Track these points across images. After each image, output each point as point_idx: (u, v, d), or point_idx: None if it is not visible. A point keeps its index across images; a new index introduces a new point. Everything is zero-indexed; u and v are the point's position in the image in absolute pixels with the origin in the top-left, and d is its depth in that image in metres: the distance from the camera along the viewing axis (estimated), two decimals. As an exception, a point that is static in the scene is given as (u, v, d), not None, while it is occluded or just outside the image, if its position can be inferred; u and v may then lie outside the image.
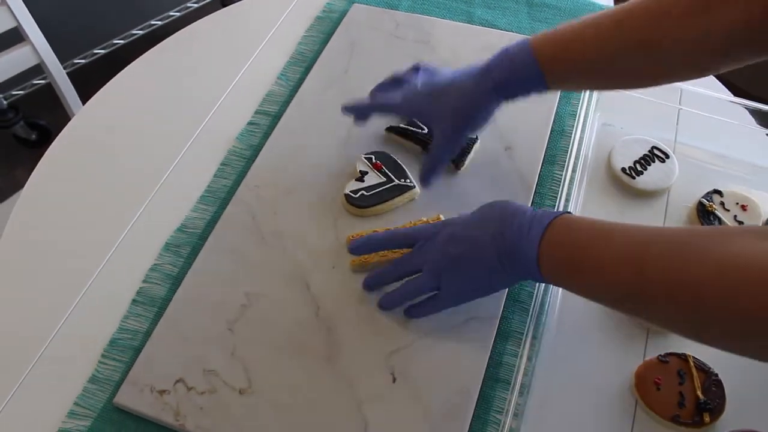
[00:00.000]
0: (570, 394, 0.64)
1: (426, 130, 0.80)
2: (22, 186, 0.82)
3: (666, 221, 0.75)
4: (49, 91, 1.18)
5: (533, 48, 0.66)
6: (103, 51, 1.79)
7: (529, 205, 0.76)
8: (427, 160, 0.74)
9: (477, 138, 0.79)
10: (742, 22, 0.57)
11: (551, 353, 0.65)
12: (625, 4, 0.63)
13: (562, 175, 0.78)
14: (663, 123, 0.84)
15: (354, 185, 0.76)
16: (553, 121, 0.84)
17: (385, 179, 0.76)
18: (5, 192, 1.17)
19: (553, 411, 0.63)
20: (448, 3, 1.00)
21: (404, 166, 0.78)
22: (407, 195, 0.76)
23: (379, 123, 0.83)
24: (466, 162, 0.78)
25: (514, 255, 0.59)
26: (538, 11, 0.98)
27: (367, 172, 0.77)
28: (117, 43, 1.81)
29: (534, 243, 0.57)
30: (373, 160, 0.78)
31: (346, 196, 0.75)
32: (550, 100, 0.85)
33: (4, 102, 1.73)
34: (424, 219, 0.73)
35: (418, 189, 0.76)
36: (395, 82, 0.77)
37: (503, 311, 0.68)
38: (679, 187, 0.78)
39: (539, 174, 0.79)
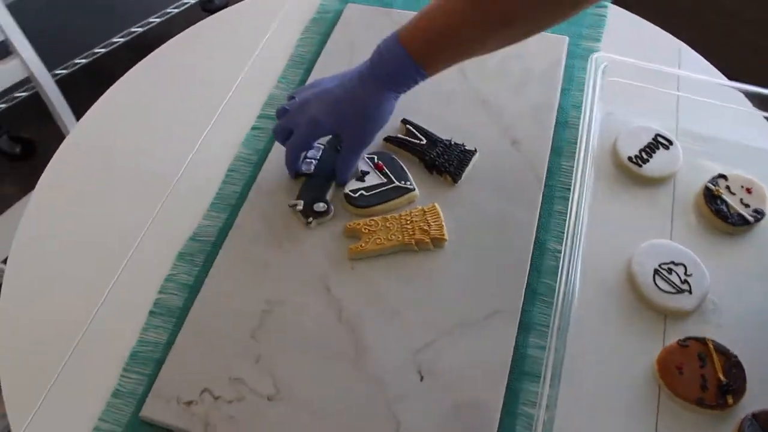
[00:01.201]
0: (594, 384, 0.65)
1: (423, 141, 0.80)
2: (8, 200, 0.81)
3: (674, 206, 0.76)
4: (33, 104, 1.17)
5: (405, 45, 0.68)
6: (84, 61, 1.76)
7: (540, 197, 0.76)
8: (339, 164, 0.76)
9: (476, 150, 0.79)
10: None
11: (573, 344, 0.66)
12: None
13: (569, 166, 0.79)
14: (664, 110, 0.85)
15: (354, 185, 0.76)
16: (557, 113, 0.85)
17: (385, 180, 0.77)
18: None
19: (580, 401, 0.63)
20: (443, -1, 1.00)
21: (406, 169, 0.78)
22: (407, 197, 0.76)
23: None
24: (464, 176, 0.78)
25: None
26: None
27: (368, 172, 0.77)
28: (98, 52, 1.79)
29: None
30: (375, 161, 0.78)
31: (346, 195, 0.76)
32: (553, 92, 0.86)
33: (-14, 116, 1.70)
34: (420, 207, 0.74)
35: (417, 192, 0.76)
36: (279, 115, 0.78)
37: (523, 304, 0.69)
38: (684, 172, 0.79)
39: (548, 166, 0.79)
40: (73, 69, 1.75)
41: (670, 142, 0.80)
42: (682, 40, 0.96)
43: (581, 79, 0.88)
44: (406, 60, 0.68)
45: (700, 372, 0.64)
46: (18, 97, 1.70)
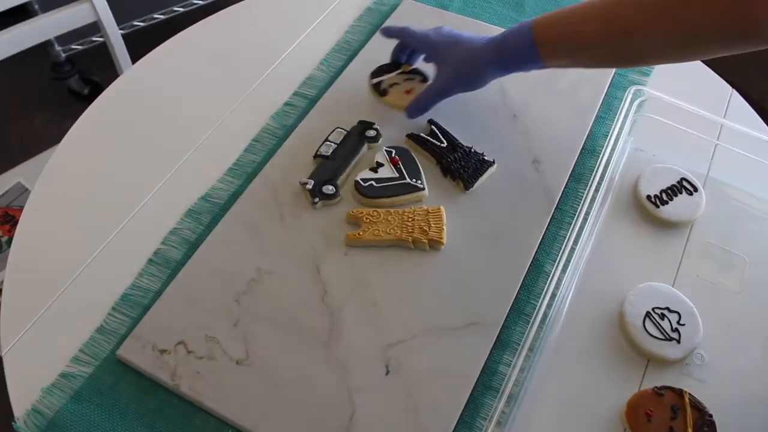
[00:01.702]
0: (559, 412, 0.64)
1: (444, 144, 0.80)
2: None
3: (684, 254, 0.74)
4: (105, 49, 1.22)
5: (533, 26, 0.72)
6: (162, 16, 1.83)
7: (548, 220, 0.76)
8: (420, 95, 0.81)
9: (494, 161, 0.79)
10: (726, 21, 0.60)
11: (547, 368, 0.65)
12: None
13: (583, 193, 0.78)
14: (697, 155, 0.82)
15: (366, 174, 0.77)
16: (586, 139, 0.83)
17: (397, 175, 0.77)
18: (54, 141, 1.21)
19: (540, 426, 0.63)
20: (499, 9, 1.00)
21: (421, 168, 0.78)
22: (414, 195, 0.76)
23: (408, 125, 0.84)
24: (476, 185, 0.78)
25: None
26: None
27: (382, 165, 0.78)
28: (176, 11, 1.85)
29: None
30: (393, 155, 0.79)
31: (356, 182, 0.77)
32: (586, 119, 0.85)
33: (63, 55, 1.78)
34: (425, 207, 0.74)
35: (426, 192, 0.77)
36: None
37: (506, 320, 0.68)
38: (703, 222, 0.77)
39: (563, 190, 0.78)
40: (150, 23, 1.82)
41: (695, 189, 0.78)
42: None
43: (620, 110, 0.87)
44: (526, 29, 0.72)
45: (670, 423, 0.62)
46: (94, 41, 1.78)
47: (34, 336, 0.68)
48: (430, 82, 0.82)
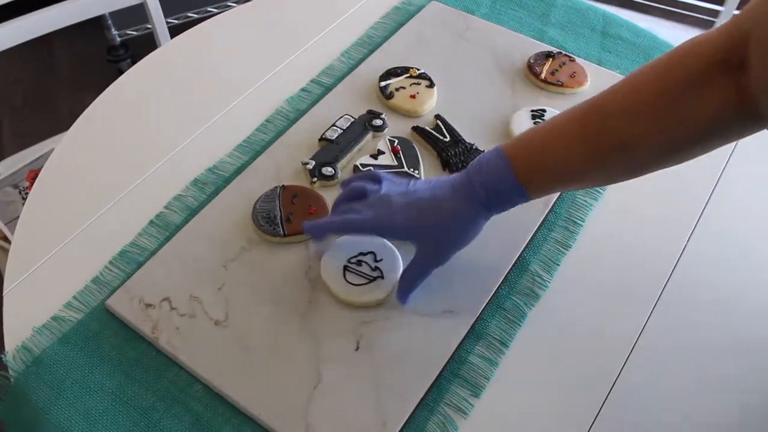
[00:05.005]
0: (526, 408, 0.64)
1: (447, 138, 0.82)
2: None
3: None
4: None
5: (511, 162, 0.61)
6: (196, 15, 1.90)
7: (540, 221, 0.76)
8: (406, 276, 0.67)
9: None
10: (720, 109, 0.54)
11: (518, 365, 0.66)
12: (588, 104, 0.60)
13: (583, 200, 0.78)
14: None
15: (366, 160, 0.79)
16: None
17: (396, 163, 0.79)
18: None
19: (503, 420, 0.63)
20: (524, 18, 1.01)
21: (420, 159, 0.80)
22: None
23: (415, 119, 0.85)
24: None
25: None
26: (610, 42, 0.97)
27: (383, 153, 0.80)
28: (211, 11, 1.92)
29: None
30: (394, 144, 0.81)
31: (355, 167, 0.79)
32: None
33: (118, 39, 1.87)
34: None
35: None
36: (354, 193, 0.69)
37: (484, 313, 0.69)
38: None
39: (559, 195, 0.79)
40: (185, 20, 1.89)
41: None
42: None
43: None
44: (506, 173, 0.61)
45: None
46: (148, 28, 1.85)
47: (35, 281, 0.72)
48: (413, 261, 0.66)
